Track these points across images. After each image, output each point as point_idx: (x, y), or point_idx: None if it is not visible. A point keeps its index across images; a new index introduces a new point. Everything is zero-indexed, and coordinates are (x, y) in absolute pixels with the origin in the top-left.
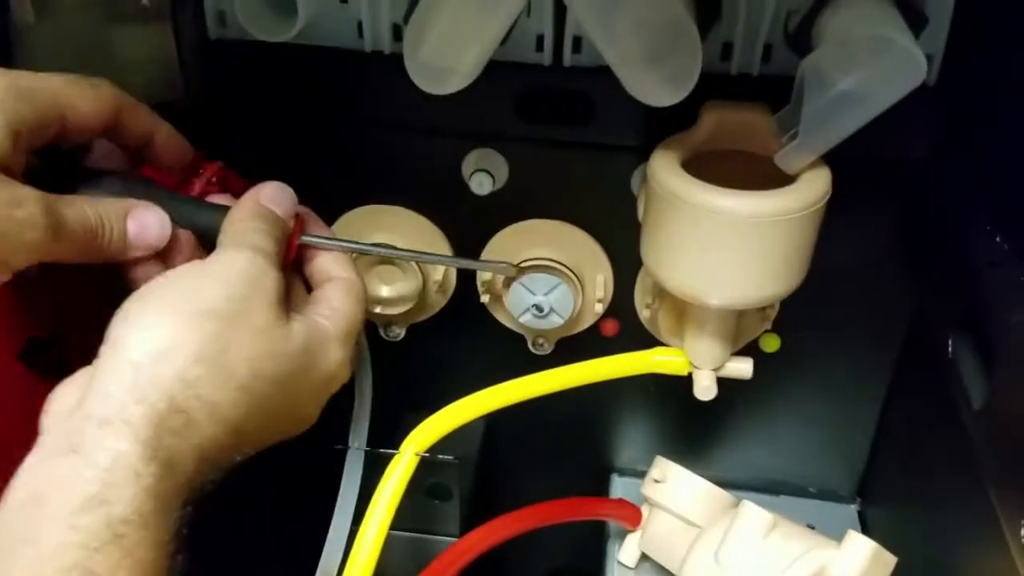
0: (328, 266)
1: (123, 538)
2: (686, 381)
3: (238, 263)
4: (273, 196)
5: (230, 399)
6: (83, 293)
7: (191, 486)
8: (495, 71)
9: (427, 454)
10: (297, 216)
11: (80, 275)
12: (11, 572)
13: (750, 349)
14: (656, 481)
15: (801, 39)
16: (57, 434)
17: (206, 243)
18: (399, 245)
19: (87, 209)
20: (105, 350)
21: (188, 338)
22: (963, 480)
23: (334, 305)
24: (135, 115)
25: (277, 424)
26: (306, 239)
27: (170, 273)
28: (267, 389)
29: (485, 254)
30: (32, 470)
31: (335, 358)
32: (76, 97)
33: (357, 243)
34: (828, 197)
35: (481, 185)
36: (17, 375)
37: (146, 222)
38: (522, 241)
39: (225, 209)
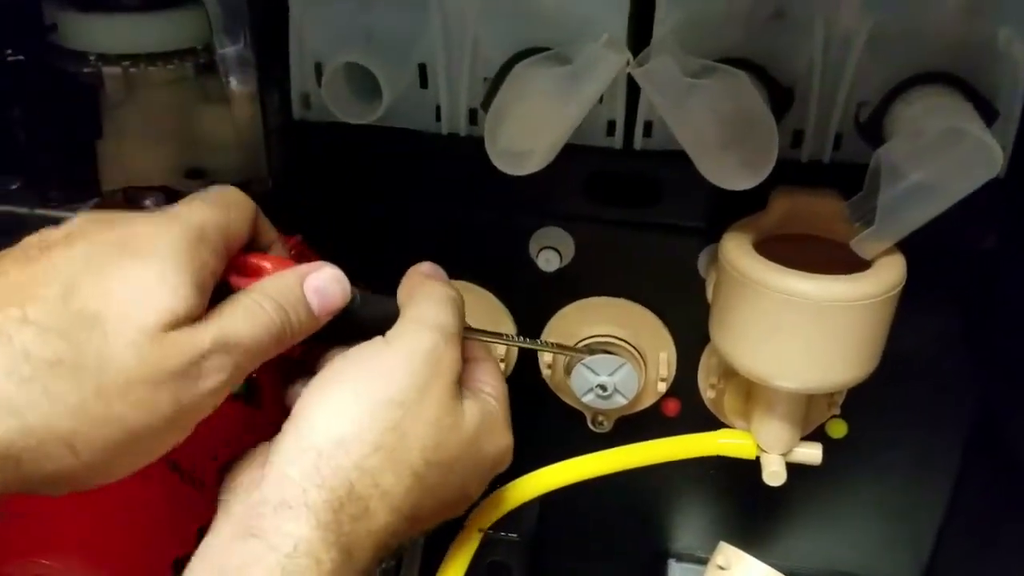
0: (468, 345)
1: None
2: (747, 465)
3: (424, 343)
4: (432, 271)
5: (405, 486)
6: None
7: (367, 573)
8: (567, 153)
9: (491, 530)
10: None
11: None
12: None
13: (815, 434)
14: (720, 567)
15: (872, 129)
16: (235, 517)
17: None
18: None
19: (264, 304)
20: (288, 428)
21: (370, 427)
22: None
23: (497, 386)
24: (260, 218)
25: (444, 507)
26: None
27: (355, 353)
28: (439, 475)
29: (548, 329)
30: (210, 554)
31: (505, 442)
32: (237, 222)
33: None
34: (903, 284)
35: (548, 262)
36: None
37: (323, 286)
38: (586, 318)
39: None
